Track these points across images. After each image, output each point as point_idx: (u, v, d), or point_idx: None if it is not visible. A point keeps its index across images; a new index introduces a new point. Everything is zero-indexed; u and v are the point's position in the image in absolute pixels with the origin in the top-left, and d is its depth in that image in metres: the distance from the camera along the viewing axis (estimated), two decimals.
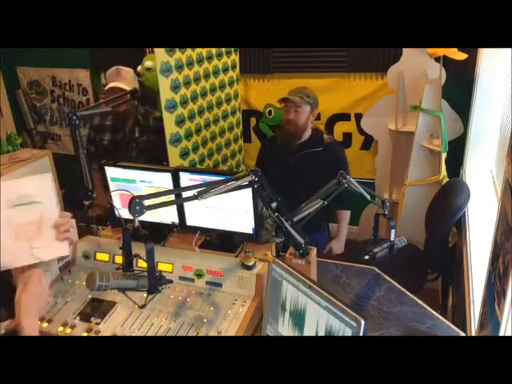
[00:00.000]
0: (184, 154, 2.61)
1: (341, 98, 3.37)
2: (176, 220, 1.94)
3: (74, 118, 1.94)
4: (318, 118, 3.51)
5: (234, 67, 3.11)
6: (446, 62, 2.75)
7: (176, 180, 1.84)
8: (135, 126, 2.73)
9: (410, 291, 1.81)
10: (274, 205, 1.49)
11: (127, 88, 2.58)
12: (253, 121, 3.71)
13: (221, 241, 1.97)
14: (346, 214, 2.55)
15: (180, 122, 2.54)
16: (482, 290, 1.47)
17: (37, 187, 1.20)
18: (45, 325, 1.59)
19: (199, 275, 1.73)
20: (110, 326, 1.57)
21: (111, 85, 2.61)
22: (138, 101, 2.63)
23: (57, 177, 2.04)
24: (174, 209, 1.90)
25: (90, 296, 1.71)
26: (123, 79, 2.64)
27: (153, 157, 2.64)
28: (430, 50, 2.72)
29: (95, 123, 2.83)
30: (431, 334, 1.55)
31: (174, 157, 2.50)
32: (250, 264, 1.68)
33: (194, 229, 1.95)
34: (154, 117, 2.75)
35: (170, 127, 2.46)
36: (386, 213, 1.81)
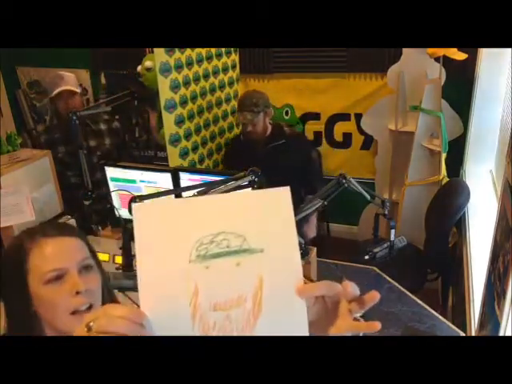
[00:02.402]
0: (183, 154, 2.61)
1: (341, 98, 3.38)
2: None
3: (74, 118, 1.94)
4: (318, 117, 3.51)
5: (233, 67, 3.11)
6: (446, 62, 2.76)
7: (176, 180, 1.84)
8: (86, 132, 2.63)
9: (410, 291, 1.82)
10: None
11: (76, 90, 2.56)
12: None
13: None
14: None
15: (179, 122, 2.54)
16: (482, 289, 1.47)
17: (267, 216, 0.56)
18: None
19: None
20: None
21: (60, 89, 2.55)
22: (138, 101, 2.64)
23: (57, 177, 2.04)
24: None
25: None
26: (66, 83, 2.60)
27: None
28: (430, 50, 2.73)
29: (42, 140, 2.65)
30: (431, 334, 1.55)
31: (173, 157, 2.50)
32: None
33: None
34: (107, 120, 2.67)
35: (169, 127, 2.46)
36: (386, 213, 1.81)
